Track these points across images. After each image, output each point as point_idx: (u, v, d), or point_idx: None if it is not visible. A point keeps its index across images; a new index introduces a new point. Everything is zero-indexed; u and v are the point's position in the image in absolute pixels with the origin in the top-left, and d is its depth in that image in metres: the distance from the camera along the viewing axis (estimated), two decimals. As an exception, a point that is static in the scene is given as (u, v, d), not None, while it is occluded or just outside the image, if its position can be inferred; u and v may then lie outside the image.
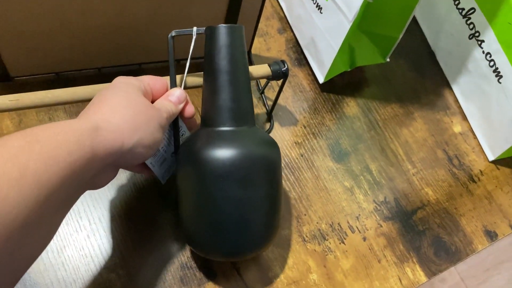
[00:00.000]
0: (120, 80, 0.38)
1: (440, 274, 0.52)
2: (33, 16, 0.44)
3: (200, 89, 0.44)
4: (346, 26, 0.49)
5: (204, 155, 0.39)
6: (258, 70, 0.49)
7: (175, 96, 0.41)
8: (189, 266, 0.46)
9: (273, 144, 0.43)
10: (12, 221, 0.25)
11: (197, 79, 0.46)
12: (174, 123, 0.43)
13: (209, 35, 0.41)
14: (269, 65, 0.49)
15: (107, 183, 0.37)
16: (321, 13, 0.53)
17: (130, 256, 0.45)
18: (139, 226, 0.47)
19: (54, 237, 0.44)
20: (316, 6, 0.54)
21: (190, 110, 0.43)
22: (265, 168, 0.41)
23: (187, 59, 0.42)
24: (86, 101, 0.44)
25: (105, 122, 0.33)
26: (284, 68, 0.48)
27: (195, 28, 0.42)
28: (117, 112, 0.35)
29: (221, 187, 0.39)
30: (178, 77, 0.45)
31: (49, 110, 0.51)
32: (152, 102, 0.40)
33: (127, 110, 0.35)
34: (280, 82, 0.50)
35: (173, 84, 0.43)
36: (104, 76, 0.54)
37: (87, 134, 0.31)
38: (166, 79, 0.43)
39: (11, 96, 0.42)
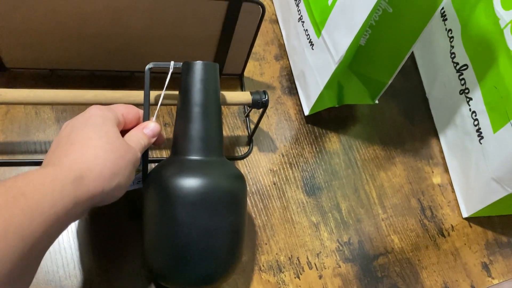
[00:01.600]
0: (95, 113, 0.39)
1: None
2: (29, 15, 0.46)
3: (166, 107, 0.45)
4: (332, 66, 0.50)
5: (175, 182, 0.40)
6: (240, 97, 0.50)
7: (149, 130, 0.42)
8: (142, 275, 0.47)
9: (240, 177, 0.45)
10: None
11: (173, 96, 0.47)
12: (144, 153, 0.44)
13: (186, 70, 0.43)
14: (251, 93, 0.50)
15: (81, 217, 0.38)
16: (313, 49, 0.54)
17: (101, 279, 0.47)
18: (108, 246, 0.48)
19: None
20: (309, 42, 0.55)
21: (161, 140, 0.45)
22: (231, 199, 0.42)
23: (167, 73, 0.44)
24: (66, 104, 0.46)
25: (87, 171, 0.34)
26: (265, 99, 0.49)
27: (172, 63, 0.44)
28: (99, 158, 0.35)
29: (190, 214, 0.40)
30: (153, 93, 0.46)
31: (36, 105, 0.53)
32: (125, 130, 0.42)
33: (108, 156, 0.36)
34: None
35: (147, 116, 0.44)
36: (97, 78, 0.56)
37: (70, 185, 0.32)
38: (139, 108, 0.45)
39: (-5, 90, 0.44)
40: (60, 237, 0.47)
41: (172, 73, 0.44)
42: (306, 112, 0.59)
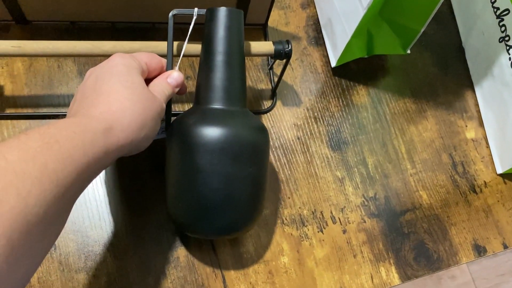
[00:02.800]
0: (120, 62, 0.38)
1: (446, 270, 0.51)
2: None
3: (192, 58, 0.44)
4: (360, 12, 0.47)
5: (196, 131, 0.40)
6: (262, 47, 0.48)
7: (173, 79, 0.42)
8: (166, 228, 0.48)
9: (263, 129, 0.44)
10: (34, 216, 0.26)
11: (195, 48, 0.46)
12: (167, 103, 0.43)
13: (209, 17, 0.42)
14: (273, 43, 0.48)
15: (110, 166, 0.39)
16: (340, -6, 0.51)
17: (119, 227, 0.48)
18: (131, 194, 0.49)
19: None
20: (336, -13, 0.51)
21: (184, 89, 0.45)
22: (253, 150, 0.42)
23: (189, 23, 0.43)
24: (85, 55, 0.45)
25: (116, 122, 0.34)
26: (288, 49, 0.47)
27: (196, 9, 0.43)
28: (126, 109, 0.35)
29: (210, 162, 0.40)
30: (176, 43, 0.45)
31: (59, 57, 0.53)
32: (148, 79, 0.41)
33: (135, 107, 0.36)
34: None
35: (170, 65, 0.43)
36: (118, 30, 0.55)
37: (101, 135, 0.33)
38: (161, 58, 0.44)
39: (14, 42, 0.43)
40: (85, 189, 0.48)
41: (195, 24, 0.43)
42: (333, 64, 0.56)
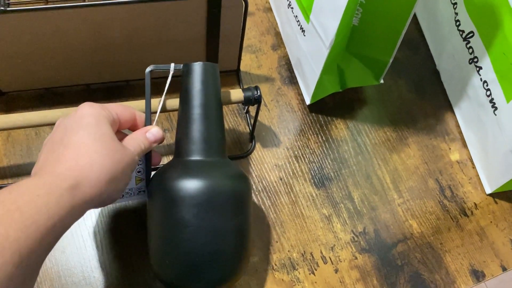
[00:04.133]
0: (88, 112, 0.37)
1: None
2: (15, 41, 0.46)
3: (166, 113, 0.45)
4: (325, 52, 0.47)
5: (181, 184, 0.40)
6: (233, 95, 0.48)
7: (152, 134, 0.41)
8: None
9: (244, 177, 0.44)
10: None
11: (173, 103, 0.46)
12: (146, 156, 0.44)
13: (186, 71, 0.43)
14: (243, 91, 0.48)
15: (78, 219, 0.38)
16: (305, 35, 0.51)
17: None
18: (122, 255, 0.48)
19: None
20: (300, 28, 0.52)
21: (157, 160, 0.45)
22: (235, 200, 0.42)
23: (164, 77, 0.44)
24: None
25: (84, 178, 0.33)
26: (257, 95, 0.48)
27: (172, 65, 0.44)
28: (95, 164, 0.34)
29: (198, 216, 0.39)
30: (154, 100, 0.45)
31: (36, 125, 0.54)
32: (118, 131, 0.41)
33: (105, 161, 0.35)
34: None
35: (148, 120, 0.44)
36: (93, 90, 0.56)
37: (66, 194, 0.32)
38: (134, 107, 0.44)
39: (-15, 118, 0.44)
40: (69, 255, 0.47)
41: (170, 77, 0.43)
42: (308, 101, 0.56)
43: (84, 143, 0.35)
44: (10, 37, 0.45)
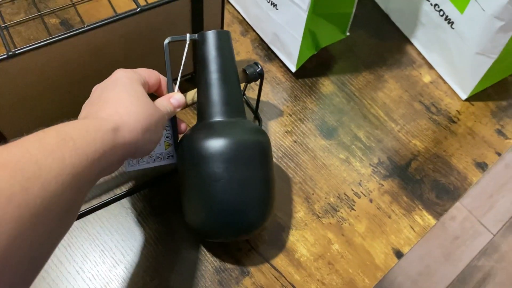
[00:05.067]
0: (123, 75, 0.42)
1: (448, 212, 0.56)
2: (22, 84, 0.47)
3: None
4: (303, 15, 0.53)
5: (208, 143, 0.44)
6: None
7: (176, 100, 0.46)
8: (223, 268, 0.50)
9: (263, 132, 0.48)
10: (54, 204, 0.29)
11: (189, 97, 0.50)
12: (173, 123, 0.48)
13: (201, 40, 0.47)
14: (244, 70, 0.53)
15: (115, 171, 0.43)
16: (277, 9, 0.57)
17: (167, 273, 0.49)
18: (167, 246, 0.51)
19: (97, 277, 0.47)
20: (271, 4, 0.58)
21: (183, 127, 0.49)
22: (260, 152, 0.46)
23: (176, 78, 0.47)
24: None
25: (123, 123, 0.38)
26: (259, 69, 0.52)
27: (188, 35, 0.48)
28: (132, 113, 0.39)
29: (228, 169, 0.44)
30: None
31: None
32: (148, 94, 0.44)
33: (139, 112, 0.39)
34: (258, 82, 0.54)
35: (171, 87, 0.47)
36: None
37: (110, 134, 0.36)
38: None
39: None
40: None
41: (186, 47, 0.47)
42: (293, 69, 0.62)
43: (121, 97, 0.40)
44: (17, 81, 0.46)
